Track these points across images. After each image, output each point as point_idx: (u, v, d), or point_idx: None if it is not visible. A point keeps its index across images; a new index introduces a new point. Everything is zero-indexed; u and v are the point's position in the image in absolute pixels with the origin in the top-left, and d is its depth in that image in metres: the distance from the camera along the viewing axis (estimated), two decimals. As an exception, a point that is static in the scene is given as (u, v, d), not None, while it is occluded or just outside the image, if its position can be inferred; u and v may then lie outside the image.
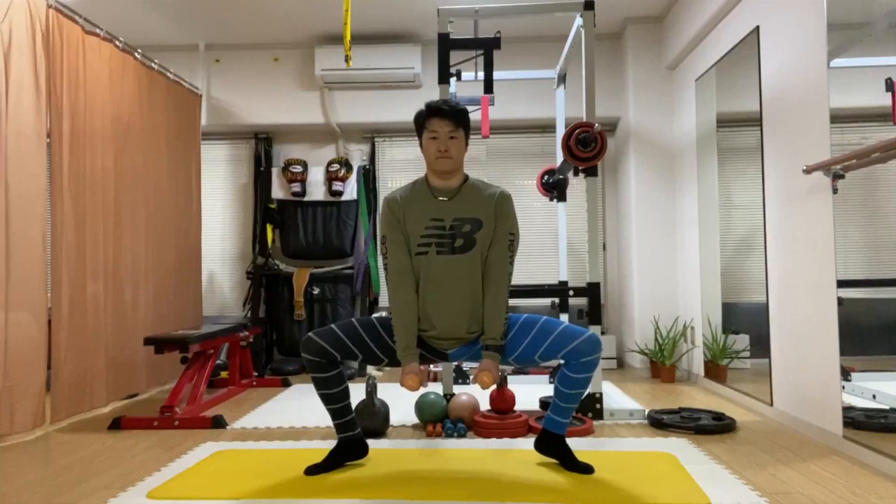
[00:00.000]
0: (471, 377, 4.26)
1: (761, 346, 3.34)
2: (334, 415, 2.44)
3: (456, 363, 4.41)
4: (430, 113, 2.37)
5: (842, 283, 2.61)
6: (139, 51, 4.10)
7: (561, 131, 4.40)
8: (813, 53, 2.81)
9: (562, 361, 2.33)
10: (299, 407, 3.65)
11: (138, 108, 4.08)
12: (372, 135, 5.51)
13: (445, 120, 2.35)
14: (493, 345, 2.32)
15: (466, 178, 2.45)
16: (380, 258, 2.58)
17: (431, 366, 4.57)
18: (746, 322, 3.56)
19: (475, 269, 2.35)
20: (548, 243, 5.39)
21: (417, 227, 2.36)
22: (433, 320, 2.36)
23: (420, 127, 2.41)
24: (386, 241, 2.40)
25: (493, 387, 3.61)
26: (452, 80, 3.53)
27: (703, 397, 3.80)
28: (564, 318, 4.34)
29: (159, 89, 4.36)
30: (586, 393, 3.22)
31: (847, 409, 2.58)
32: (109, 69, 3.78)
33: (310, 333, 2.35)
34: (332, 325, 2.38)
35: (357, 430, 2.49)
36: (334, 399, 2.40)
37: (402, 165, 5.55)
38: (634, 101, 4.88)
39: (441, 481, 2.28)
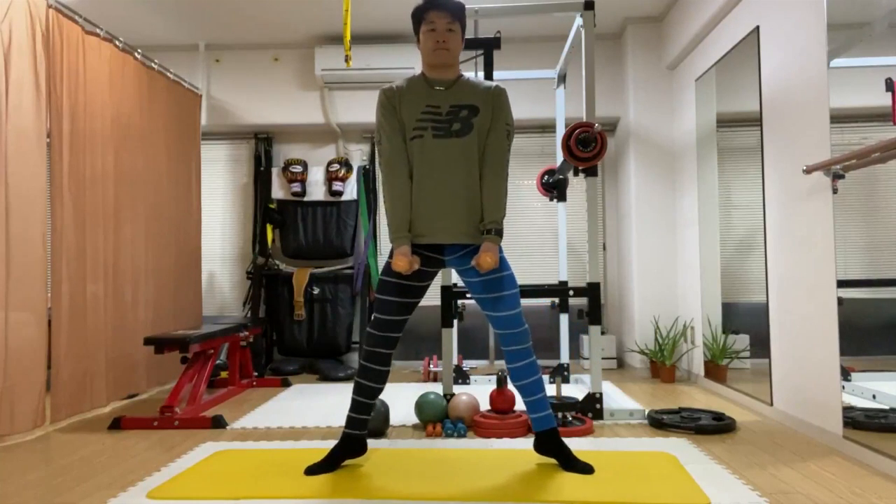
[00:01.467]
0: (471, 377, 4.25)
1: (761, 346, 3.34)
2: (357, 408, 2.47)
3: (456, 360, 4.41)
4: (428, 5, 2.38)
5: (842, 283, 2.61)
6: (139, 51, 4.10)
7: (561, 131, 4.40)
8: (813, 53, 2.81)
9: (505, 361, 2.44)
10: (299, 407, 3.65)
11: (138, 108, 4.09)
12: (372, 135, 5.51)
13: (443, 12, 2.36)
14: (494, 228, 2.35)
15: (462, 73, 2.47)
16: (377, 151, 2.58)
17: (431, 365, 4.58)
18: (746, 322, 3.56)
19: (472, 153, 2.36)
20: (548, 243, 5.39)
21: (413, 113, 2.37)
22: (427, 206, 2.35)
23: (418, 21, 2.42)
24: (382, 127, 2.40)
25: (494, 385, 3.61)
26: (452, 79, 3.52)
27: (703, 397, 3.80)
28: (564, 318, 4.34)
29: (159, 89, 4.36)
30: (586, 393, 3.22)
31: (847, 409, 2.58)
32: (109, 69, 3.78)
33: (369, 328, 2.43)
34: (375, 314, 2.44)
35: (364, 432, 2.52)
36: (368, 393, 2.46)
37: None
38: (634, 101, 4.88)
39: (441, 481, 2.28)
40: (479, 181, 2.38)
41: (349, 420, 2.48)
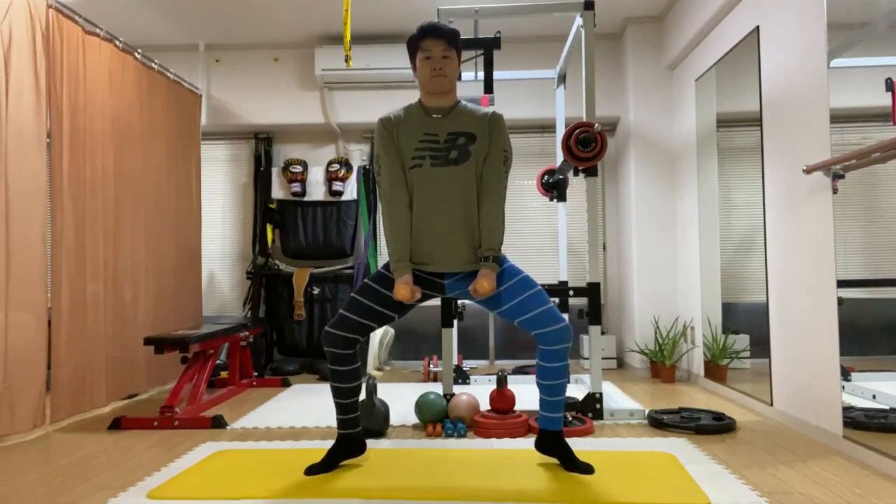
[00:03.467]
0: (471, 377, 4.25)
1: (761, 346, 3.34)
2: (341, 409, 2.45)
3: (456, 360, 4.41)
4: (424, 33, 2.37)
5: (842, 283, 2.61)
6: (139, 51, 4.10)
7: (561, 131, 4.40)
8: (813, 53, 2.81)
9: (537, 355, 2.37)
10: (299, 407, 3.65)
11: (138, 108, 4.09)
12: (372, 135, 5.51)
13: (439, 40, 2.35)
14: (492, 255, 2.34)
15: (459, 100, 2.46)
16: (376, 181, 2.57)
17: (431, 365, 4.58)
18: (746, 322, 3.56)
19: (469, 181, 2.36)
20: (548, 243, 5.40)
21: (411, 142, 2.37)
22: (427, 235, 2.35)
23: (413, 49, 2.41)
24: (380, 159, 2.40)
25: (494, 385, 3.61)
26: (452, 79, 3.52)
27: (703, 397, 3.80)
28: (564, 318, 4.33)
29: (159, 89, 4.36)
30: (586, 393, 3.22)
31: (847, 409, 2.58)
32: (109, 69, 3.78)
33: (327, 327, 2.37)
34: (341, 311, 2.39)
35: (358, 429, 2.50)
36: (346, 394, 2.42)
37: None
38: (634, 101, 4.88)
39: (441, 481, 2.28)
40: (477, 208, 2.37)
41: (338, 422, 2.48)
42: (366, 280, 2.44)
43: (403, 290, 2.28)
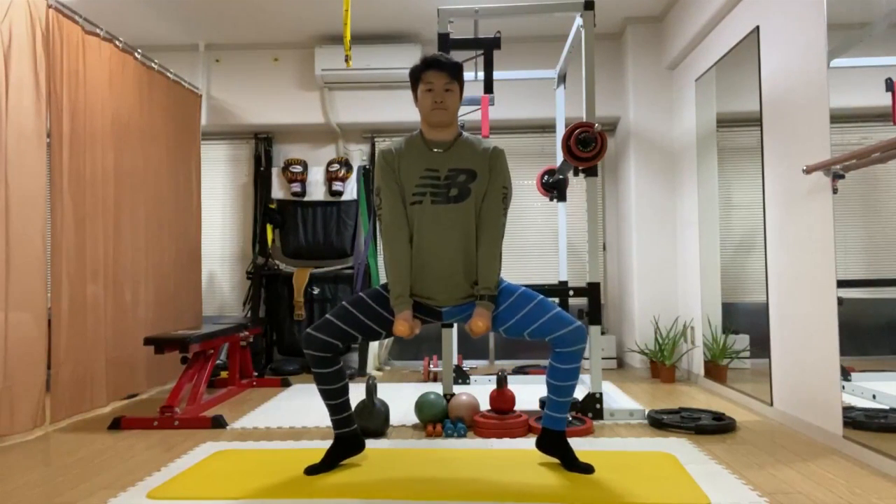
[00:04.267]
0: (471, 377, 4.25)
1: (761, 346, 3.34)
2: (333, 410, 2.45)
3: (456, 360, 4.41)
4: (426, 65, 2.38)
5: (842, 283, 2.61)
6: (139, 51, 4.10)
7: (561, 131, 4.40)
8: (813, 53, 2.81)
9: (550, 356, 2.35)
10: (299, 407, 3.65)
11: (138, 108, 4.09)
12: (372, 135, 5.51)
13: (441, 72, 2.37)
14: (488, 294, 2.34)
15: (461, 132, 2.46)
16: (376, 213, 2.57)
17: (431, 365, 4.58)
18: (746, 322, 3.56)
19: (469, 218, 2.36)
20: (548, 243, 5.40)
21: (412, 178, 2.37)
22: (426, 271, 2.36)
23: (416, 80, 2.42)
24: (380, 192, 2.41)
25: (494, 385, 3.61)
26: (452, 79, 3.52)
27: (703, 397, 3.80)
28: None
29: (159, 89, 4.36)
30: (586, 393, 3.22)
31: (847, 409, 2.58)
32: (109, 69, 3.78)
33: (309, 330, 2.36)
34: (327, 316, 2.38)
35: (354, 427, 2.50)
36: (334, 395, 2.41)
37: (402, 165, 5.54)
38: (634, 101, 4.88)
39: (441, 481, 2.28)
40: (475, 244, 2.38)
41: (333, 423, 2.47)
42: (361, 293, 2.44)
43: (403, 326, 2.29)
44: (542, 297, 2.38)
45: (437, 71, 2.37)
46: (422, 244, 2.36)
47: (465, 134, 2.47)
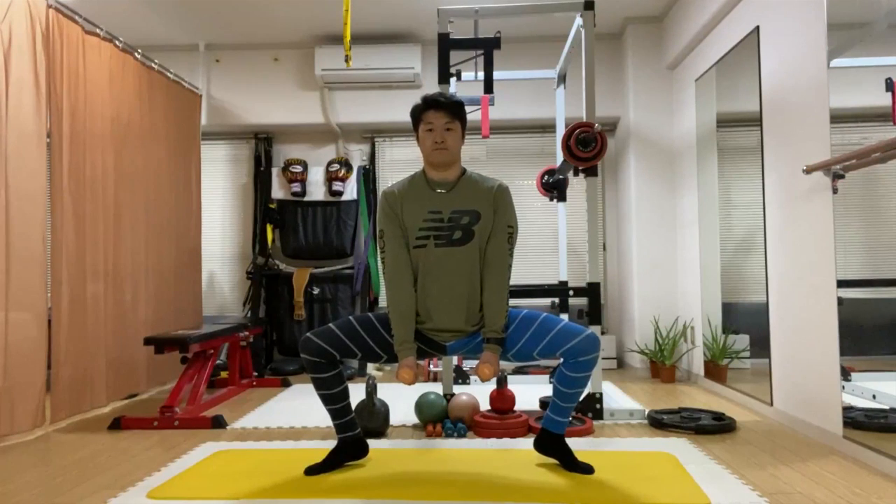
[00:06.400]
0: (471, 377, 4.26)
1: (761, 346, 3.34)
2: (334, 415, 2.44)
3: (456, 361, 4.41)
4: (427, 105, 2.38)
5: (842, 283, 2.61)
6: (139, 51, 4.10)
7: (561, 131, 4.40)
8: (813, 53, 2.81)
9: (561, 360, 2.33)
10: (299, 407, 3.65)
11: (138, 108, 4.09)
12: (372, 135, 5.51)
13: (441, 112, 2.36)
14: (495, 337, 2.33)
15: (464, 171, 2.45)
16: (379, 255, 2.58)
17: (431, 365, 4.58)
18: (746, 322, 3.56)
19: (473, 260, 2.36)
20: (548, 243, 5.39)
21: (415, 220, 2.37)
22: (431, 312, 2.37)
23: (416, 120, 2.42)
24: (384, 235, 2.40)
25: (494, 385, 3.62)
26: (452, 80, 3.53)
27: (703, 397, 3.80)
28: (564, 317, 4.34)
29: (159, 89, 4.36)
30: (586, 393, 3.22)
31: (847, 409, 2.58)
32: (109, 69, 3.78)
33: (308, 334, 2.35)
34: (330, 325, 2.38)
35: (357, 431, 2.49)
36: (334, 399, 2.40)
37: (402, 165, 5.55)
38: (634, 101, 4.88)
39: (441, 481, 2.28)
40: (480, 283, 2.38)
41: (335, 428, 2.47)
42: (370, 315, 2.44)
43: (406, 373, 2.27)
44: (545, 314, 2.38)
45: (436, 111, 2.36)
46: (426, 286, 2.36)
47: (469, 172, 2.46)
